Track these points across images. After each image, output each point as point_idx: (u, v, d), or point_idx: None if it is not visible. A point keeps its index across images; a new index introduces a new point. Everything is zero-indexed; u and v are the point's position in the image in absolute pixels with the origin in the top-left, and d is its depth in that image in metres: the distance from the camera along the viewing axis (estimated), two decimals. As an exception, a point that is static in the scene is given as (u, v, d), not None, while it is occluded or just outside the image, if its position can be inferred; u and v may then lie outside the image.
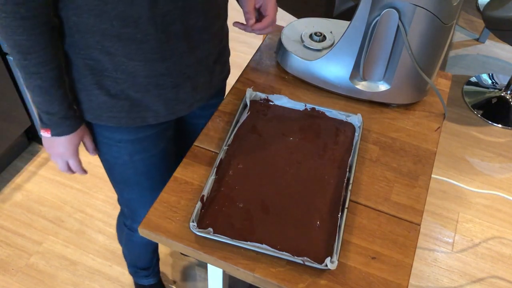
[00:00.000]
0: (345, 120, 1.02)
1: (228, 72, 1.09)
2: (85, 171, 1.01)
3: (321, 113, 1.03)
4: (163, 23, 0.81)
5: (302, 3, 1.98)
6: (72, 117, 0.88)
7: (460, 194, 1.98)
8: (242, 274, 0.79)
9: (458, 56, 2.69)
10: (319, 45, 1.12)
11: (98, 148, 1.03)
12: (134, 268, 1.49)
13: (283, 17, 2.67)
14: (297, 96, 1.10)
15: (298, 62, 1.10)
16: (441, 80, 1.19)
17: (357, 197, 0.90)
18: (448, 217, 1.89)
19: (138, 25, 0.80)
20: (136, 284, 1.58)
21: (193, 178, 0.91)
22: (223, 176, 0.89)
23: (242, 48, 2.61)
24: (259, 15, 1.01)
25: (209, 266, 0.96)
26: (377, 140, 1.02)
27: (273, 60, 1.19)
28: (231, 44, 2.54)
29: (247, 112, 1.02)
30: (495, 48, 2.76)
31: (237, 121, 1.00)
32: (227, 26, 1.02)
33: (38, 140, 2.01)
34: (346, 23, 1.15)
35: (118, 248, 1.71)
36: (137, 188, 1.09)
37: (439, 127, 1.06)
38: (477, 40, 2.80)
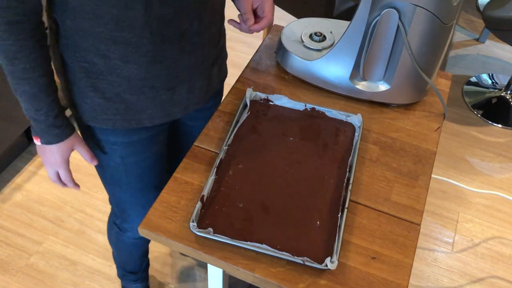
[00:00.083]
0: (345, 120, 1.02)
1: (226, 74, 1.09)
2: (76, 185, 0.99)
3: (321, 113, 1.03)
4: (158, 27, 0.81)
5: (302, 3, 1.98)
6: (60, 126, 0.87)
7: (460, 194, 1.98)
8: (242, 274, 0.79)
9: (458, 56, 2.69)
10: (319, 45, 1.12)
11: (92, 151, 1.03)
12: (123, 271, 1.49)
13: (283, 17, 2.67)
14: (297, 96, 1.10)
15: (298, 62, 1.10)
16: (441, 80, 1.19)
17: (357, 197, 0.90)
18: (448, 217, 1.89)
19: (133, 29, 0.79)
20: None
21: (193, 178, 0.91)
22: (223, 176, 0.89)
23: (242, 48, 2.61)
24: (256, 16, 1.01)
25: (209, 266, 0.96)
26: (377, 140, 1.02)
27: (273, 60, 1.19)
28: (231, 44, 2.54)
29: (247, 112, 1.02)
30: (495, 48, 2.76)
31: (237, 121, 1.00)
32: (224, 29, 1.02)
33: (38, 140, 2.01)
34: (346, 23, 1.15)
35: (118, 248, 1.71)
36: (128, 189, 1.09)
37: (439, 127, 1.06)
38: (477, 40, 2.80)
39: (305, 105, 1.04)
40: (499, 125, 2.29)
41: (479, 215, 1.91)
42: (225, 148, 0.93)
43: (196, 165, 0.93)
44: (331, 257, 0.77)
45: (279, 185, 0.89)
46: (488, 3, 2.20)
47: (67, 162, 0.93)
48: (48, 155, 0.91)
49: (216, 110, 1.05)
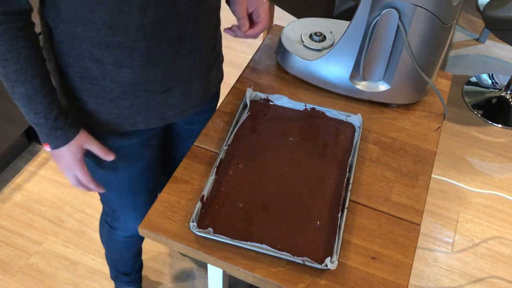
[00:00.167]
0: (345, 120, 1.02)
1: (222, 77, 1.09)
2: (99, 187, 0.96)
3: (321, 113, 1.03)
4: (152, 30, 0.80)
5: (302, 3, 1.98)
6: (62, 127, 0.85)
7: (460, 194, 1.98)
8: (242, 274, 0.79)
9: (458, 56, 2.69)
10: (319, 45, 1.12)
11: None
12: (115, 272, 1.48)
13: (283, 17, 2.67)
14: (297, 96, 1.10)
15: (298, 62, 1.10)
16: (441, 80, 1.19)
17: (357, 197, 0.90)
18: (448, 217, 1.89)
19: (127, 33, 0.79)
20: None
21: (193, 178, 0.91)
22: (223, 176, 0.89)
23: (242, 48, 2.61)
24: (251, 21, 0.99)
25: (209, 266, 0.96)
26: (377, 140, 1.02)
27: (273, 60, 1.19)
28: (231, 44, 2.54)
29: (247, 112, 1.02)
30: (495, 48, 2.76)
31: (237, 121, 1.00)
32: (220, 31, 1.01)
33: (38, 140, 2.01)
34: (346, 23, 1.15)
35: (118, 248, 1.71)
36: (118, 191, 1.09)
37: (439, 127, 1.06)
38: (477, 40, 2.80)
39: (305, 105, 1.04)
40: (499, 125, 2.29)
41: (479, 215, 1.91)
42: (225, 148, 0.93)
43: (196, 165, 0.93)
44: (331, 257, 0.77)
45: (279, 185, 0.89)
46: (488, 3, 2.20)
47: (81, 163, 0.90)
48: (61, 159, 0.89)
49: (213, 113, 1.05)
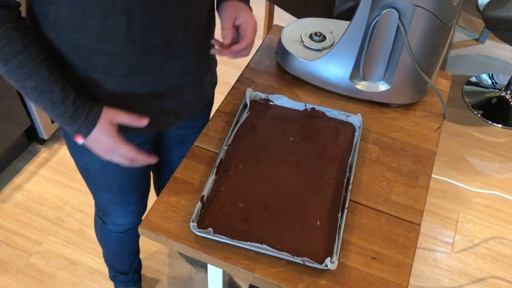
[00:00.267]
0: (345, 120, 1.02)
1: (216, 81, 1.09)
2: (150, 157, 0.88)
3: (321, 113, 1.03)
4: (141, 37, 0.79)
5: (302, 3, 1.98)
6: (83, 110, 0.81)
7: (460, 194, 1.98)
8: (242, 274, 0.79)
9: (458, 56, 2.69)
10: (319, 45, 1.12)
11: (71, 155, 1.02)
12: (113, 271, 1.49)
13: (283, 17, 2.67)
14: (297, 96, 1.10)
15: (298, 62, 1.10)
16: (441, 80, 1.19)
17: (357, 197, 0.90)
18: (448, 217, 1.89)
19: (115, 40, 0.78)
20: None
21: (193, 178, 0.91)
22: (223, 176, 0.89)
23: (242, 48, 2.61)
24: (238, 36, 0.93)
25: (209, 266, 0.96)
26: (377, 140, 1.02)
27: (273, 60, 1.19)
28: (231, 44, 2.53)
29: (247, 112, 1.02)
30: (495, 48, 2.76)
31: (237, 121, 1.00)
32: (213, 36, 0.99)
33: (38, 140, 2.01)
34: (346, 23, 1.15)
35: (118, 248, 1.71)
36: (108, 192, 1.10)
37: (439, 127, 1.06)
38: (477, 40, 2.80)
39: (305, 105, 1.04)
40: (499, 125, 2.29)
41: (479, 215, 1.91)
42: (225, 148, 0.93)
43: (196, 165, 0.93)
44: (331, 257, 0.77)
45: (279, 185, 0.89)
46: (488, 3, 2.20)
47: (120, 139, 0.83)
48: (99, 145, 0.84)
49: (208, 118, 1.05)
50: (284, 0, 2.05)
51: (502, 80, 2.52)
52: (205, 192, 0.85)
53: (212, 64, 1.03)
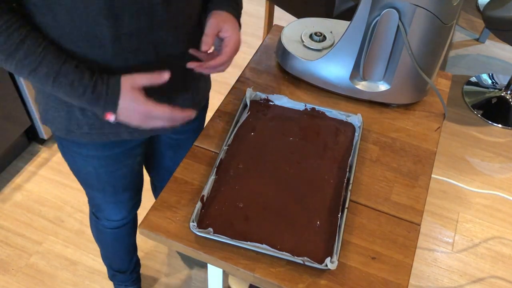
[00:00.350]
0: (345, 120, 1.02)
1: (210, 85, 1.09)
2: (187, 111, 0.84)
3: (321, 113, 1.03)
4: (130, 42, 0.79)
5: (302, 3, 1.98)
6: (102, 82, 0.78)
7: (460, 194, 1.98)
8: (242, 274, 0.79)
9: (458, 56, 2.69)
10: (319, 45, 1.12)
11: (64, 158, 1.03)
12: (111, 270, 1.49)
13: (283, 17, 2.67)
14: (297, 96, 1.10)
15: (298, 62, 1.10)
16: (441, 80, 1.19)
17: (357, 197, 0.90)
18: (448, 217, 1.89)
19: (103, 46, 0.78)
20: None
21: (193, 178, 0.91)
22: (223, 176, 0.89)
23: (242, 48, 2.61)
24: (219, 47, 0.89)
25: (209, 266, 0.96)
26: (377, 140, 1.02)
27: (273, 60, 1.19)
28: (231, 44, 2.53)
29: (247, 112, 1.02)
30: (495, 48, 2.76)
31: (237, 121, 1.00)
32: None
33: (38, 140, 2.01)
34: (346, 23, 1.15)
35: (118, 248, 1.71)
36: (101, 192, 1.10)
37: (439, 127, 1.06)
38: (477, 40, 2.80)
39: (305, 105, 1.04)
40: (499, 125, 2.29)
41: (479, 215, 1.91)
42: (225, 148, 0.93)
43: (196, 165, 0.93)
44: (331, 257, 0.77)
45: (279, 185, 0.89)
46: (488, 3, 2.20)
47: (148, 101, 0.79)
48: (131, 115, 0.80)
49: (203, 122, 1.04)
50: (284, 0, 2.05)
51: (502, 80, 2.52)
52: (205, 192, 0.85)
53: None
